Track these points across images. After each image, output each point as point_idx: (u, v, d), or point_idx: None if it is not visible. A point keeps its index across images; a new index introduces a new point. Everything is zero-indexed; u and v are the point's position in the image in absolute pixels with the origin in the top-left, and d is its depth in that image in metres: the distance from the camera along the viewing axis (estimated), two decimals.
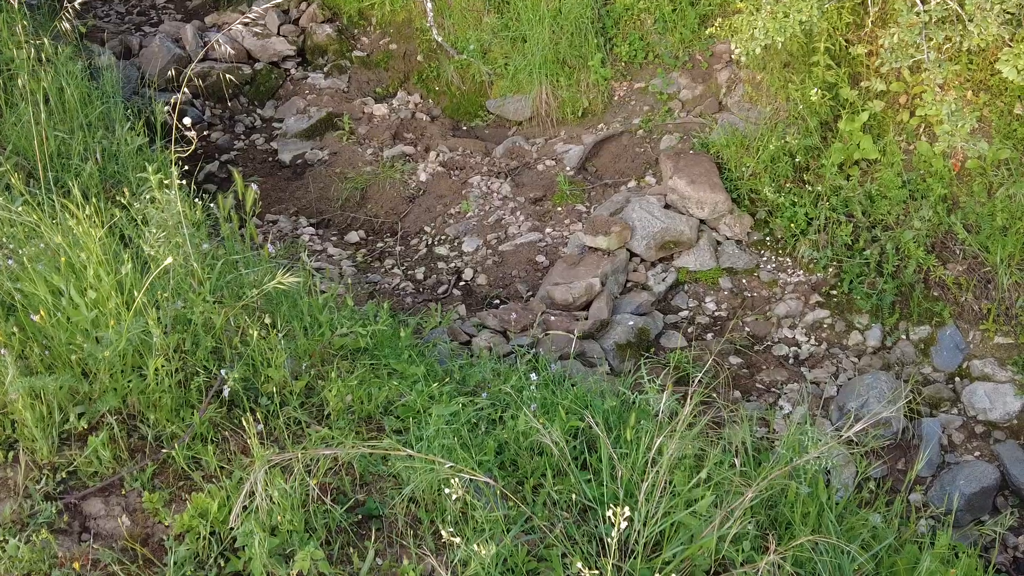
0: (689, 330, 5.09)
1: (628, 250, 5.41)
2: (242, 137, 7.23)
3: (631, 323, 4.88)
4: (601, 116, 6.85)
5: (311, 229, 6.07)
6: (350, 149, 6.79)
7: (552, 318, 4.81)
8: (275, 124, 7.38)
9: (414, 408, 3.52)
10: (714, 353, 4.63)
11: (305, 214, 6.32)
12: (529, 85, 6.89)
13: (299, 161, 6.87)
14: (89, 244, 3.22)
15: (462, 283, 5.55)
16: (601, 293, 5.02)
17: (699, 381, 3.64)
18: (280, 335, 3.45)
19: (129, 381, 3.23)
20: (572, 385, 3.92)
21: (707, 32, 6.06)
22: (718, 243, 5.60)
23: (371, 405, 3.55)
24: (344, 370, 3.68)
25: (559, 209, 6.06)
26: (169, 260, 3.20)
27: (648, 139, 6.40)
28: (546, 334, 4.62)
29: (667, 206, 5.64)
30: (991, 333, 4.78)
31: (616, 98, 6.85)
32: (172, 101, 5.84)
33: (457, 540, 2.57)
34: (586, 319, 4.88)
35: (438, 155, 6.71)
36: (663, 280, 5.36)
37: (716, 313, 5.24)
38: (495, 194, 6.28)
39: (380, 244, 6.06)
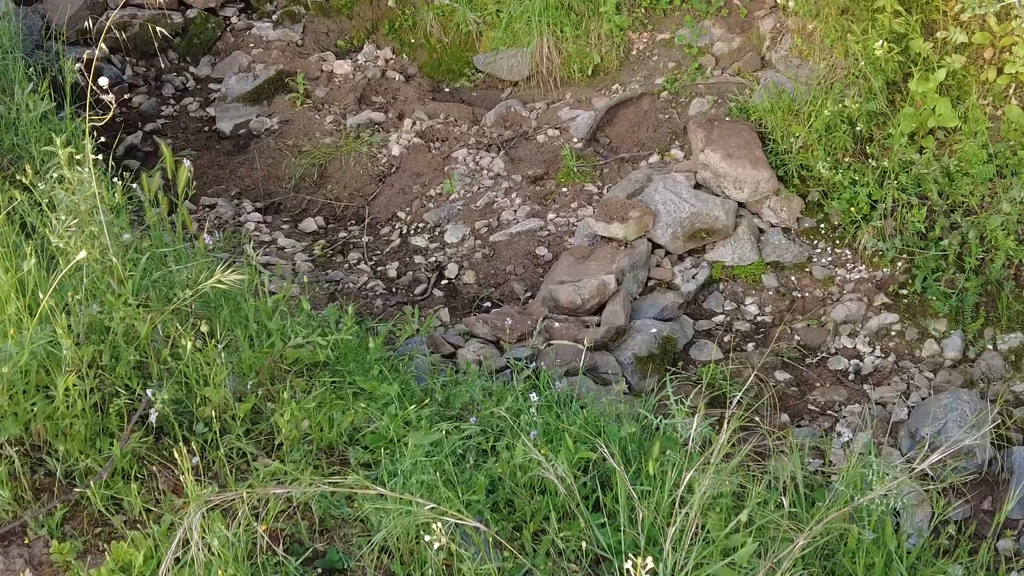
0: (725, 339, 5.10)
1: (650, 240, 5.42)
2: (171, 102, 7.23)
3: (654, 331, 4.89)
4: (616, 75, 6.87)
5: (257, 215, 6.08)
6: (305, 116, 6.80)
7: (556, 325, 4.82)
8: (212, 85, 7.38)
9: (386, 436, 3.52)
10: (756, 367, 4.64)
11: (250, 196, 6.32)
12: (527, 36, 6.90)
13: (242, 131, 6.87)
14: None
15: (445, 282, 5.57)
16: (616, 294, 5.03)
17: (738, 402, 3.65)
18: (220, 346, 3.45)
19: (33, 404, 3.22)
20: (581, 407, 3.93)
21: None
22: (761, 231, 5.62)
23: (333, 432, 3.56)
24: (299, 389, 3.68)
25: (564, 190, 6.07)
26: (83, 254, 3.20)
27: (674, 103, 6.42)
28: (549, 344, 4.62)
29: (698, 186, 5.65)
30: None
31: (634, 52, 6.87)
32: (85, 57, 5.83)
33: None
34: (598, 326, 4.89)
35: (414, 123, 6.72)
36: (693, 277, 5.38)
37: (759, 318, 5.26)
38: (485, 171, 6.29)
39: (343, 233, 6.07)
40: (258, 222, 6.02)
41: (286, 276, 5.25)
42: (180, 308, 3.54)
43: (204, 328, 3.39)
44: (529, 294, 5.38)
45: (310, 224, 6.07)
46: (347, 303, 4.93)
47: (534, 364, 4.42)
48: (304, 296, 4.18)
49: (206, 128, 6.99)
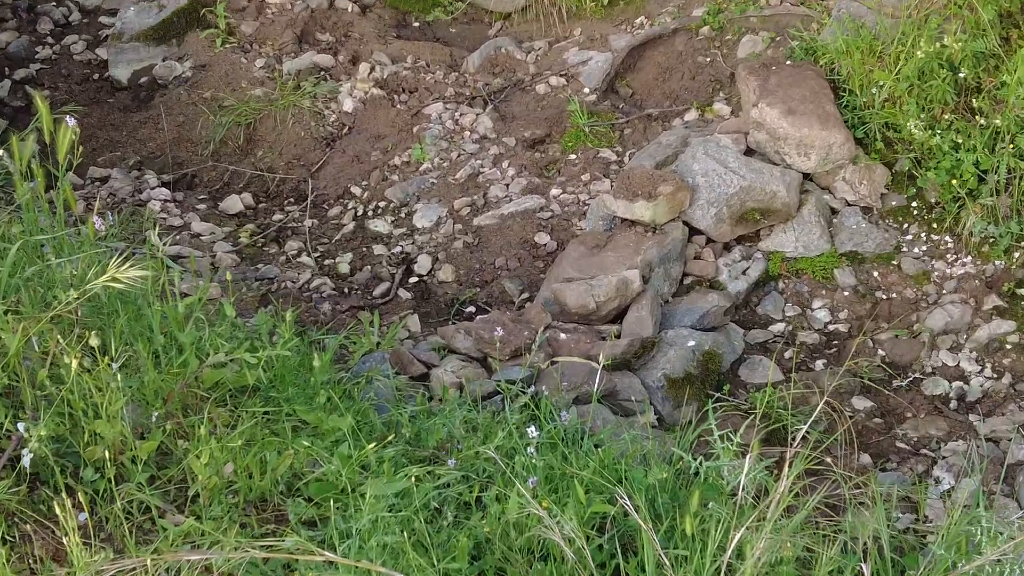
0: (786, 355, 5.10)
1: (686, 224, 5.42)
2: (49, 40, 7.21)
3: (691, 343, 4.90)
4: (641, 4, 6.87)
5: (164, 191, 6.09)
6: (228, 60, 6.80)
7: (562, 336, 4.82)
8: (104, 19, 7.37)
9: (336, 485, 3.52)
10: (828, 392, 4.64)
11: (155, 167, 6.32)
12: None
13: (144, 80, 6.85)
14: None
15: (414, 279, 5.57)
16: (642, 295, 5.03)
17: (803, 438, 3.65)
18: (115, 366, 3.45)
19: None
20: (596, 446, 3.92)
21: None
22: (833, 212, 5.63)
23: (266, 480, 3.55)
24: (221, 423, 3.68)
25: (572, 157, 6.06)
26: None
27: (718, 42, 6.42)
28: (553, 362, 4.63)
29: (749, 151, 5.65)
30: None
31: None
32: None
33: None
34: (617, 337, 4.89)
35: (373, 69, 6.72)
36: (743, 273, 5.38)
37: (830, 327, 5.27)
38: (467, 133, 6.29)
39: (278, 216, 6.07)
40: (165, 200, 6.02)
41: (203, 272, 5.24)
42: (62, 315, 3.54)
43: (94, 341, 3.39)
44: (526, 295, 5.37)
45: (235, 203, 6.07)
46: (284, 308, 4.92)
47: (533, 388, 4.42)
48: (227, 299, 4.18)
49: (96, 76, 6.97)
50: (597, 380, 4.30)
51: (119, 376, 3.42)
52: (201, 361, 3.77)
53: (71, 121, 3.90)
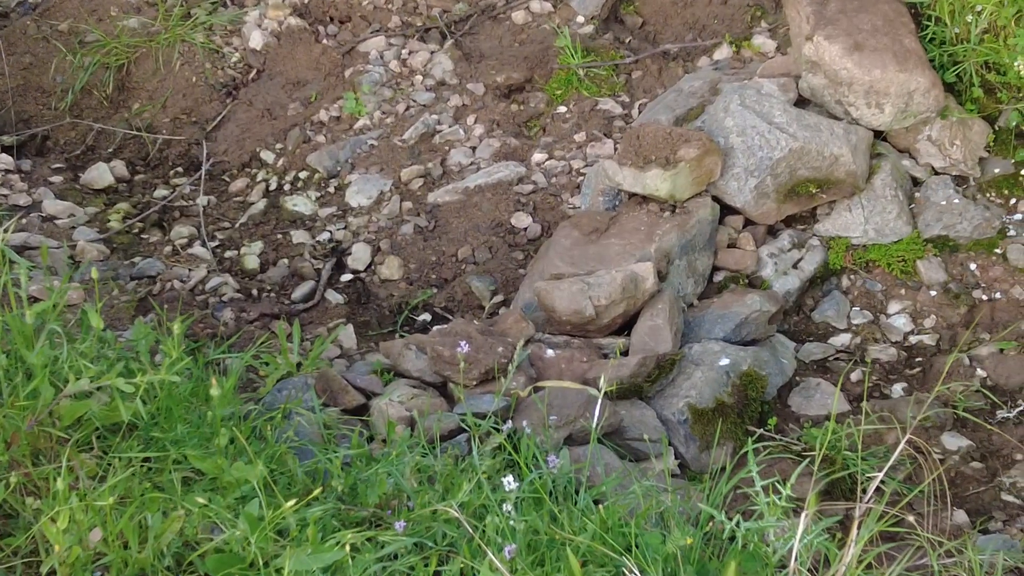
0: (853, 376, 5.12)
1: (716, 200, 5.43)
2: None
3: (725, 362, 4.90)
4: None
5: (6, 158, 6.09)
6: None
7: (550, 352, 4.82)
8: None
9: (243, 556, 3.51)
10: (910, 427, 4.66)
11: None
12: None
13: None
14: None
15: (347, 276, 5.57)
16: (658, 297, 5.04)
17: (877, 489, 3.66)
18: None
19: None
20: (596, 501, 3.92)
21: None
22: (915, 183, 5.65)
23: (147, 551, 3.54)
24: (87, 474, 3.66)
25: (562, 110, 6.06)
26: None
27: None
28: (537, 389, 4.63)
29: (802, 101, 5.66)
30: None
31: None
32: None
33: None
34: (625, 354, 4.89)
35: None
36: (794, 266, 5.40)
37: (913, 338, 5.29)
38: (419, 77, 6.27)
39: (162, 191, 6.05)
40: (7, 170, 6.01)
41: (59, 269, 5.22)
42: None
43: None
44: (499, 298, 5.38)
45: (102, 174, 6.07)
46: (172, 317, 4.91)
47: (510, 424, 4.41)
48: (91, 304, 4.16)
49: None
50: (597, 412, 4.30)
51: None
52: (58, 390, 3.74)
53: None
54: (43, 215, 5.77)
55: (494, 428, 4.31)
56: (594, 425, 4.22)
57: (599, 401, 4.23)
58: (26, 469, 3.66)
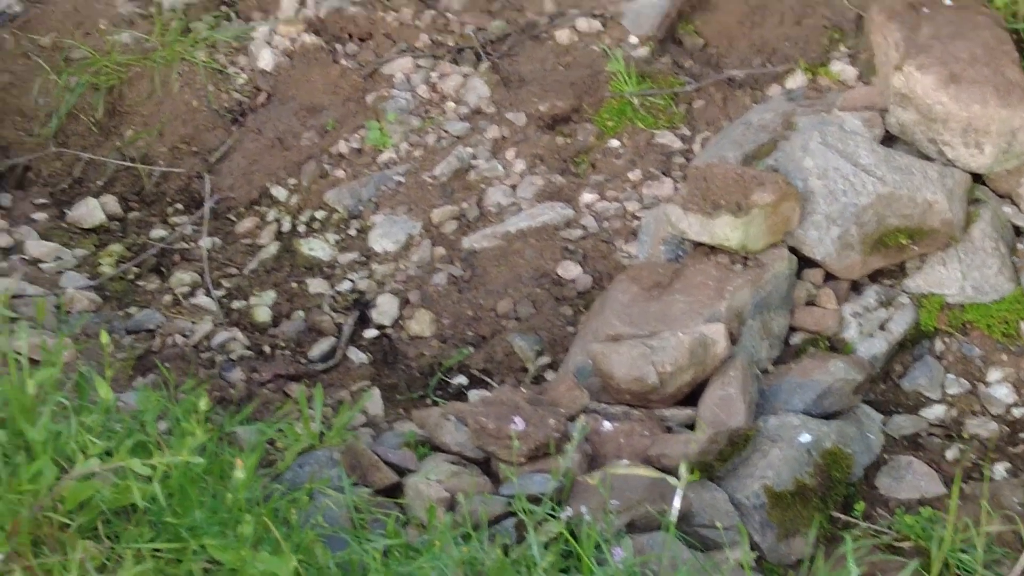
0: (949, 454, 5.08)
1: (793, 251, 5.40)
2: None
3: (805, 438, 4.86)
4: None
5: None
6: None
7: (607, 426, 4.79)
8: None
9: None
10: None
11: None
12: None
13: None
14: None
15: (372, 332, 5.55)
16: (730, 363, 4.99)
17: None
18: None
19: None
20: None
21: None
22: (1017, 232, 5.61)
23: None
24: (94, 565, 3.63)
25: (614, 144, 6.04)
26: None
27: None
28: (595, 468, 4.60)
29: (889, 138, 5.63)
30: None
31: None
32: None
33: None
34: (690, 427, 4.86)
35: (303, 3, 6.73)
36: (881, 327, 5.37)
37: (1016, 411, 5.24)
38: (452, 104, 6.27)
39: (160, 231, 6.04)
40: None
41: (49, 327, 5.19)
42: None
43: None
44: (546, 360, 5.36)
45: (92, 212, 6.07)
46: (180, 378, 4.89)
47: (566, 510, 4.37)
48: (90, 367, 4.15)
49: None
50: (677, 504, 4.27)
51: None
52: (62, 470, 3.71)
53: None
54: (26, 258, 5.76)
55: (549, 515, 4.28)
56: (672, 519, 4.19)
57: (678, 491, 4.21)
58: (27, 562, 3.63)
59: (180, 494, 3.95)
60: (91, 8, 6.69)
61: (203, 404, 3.91)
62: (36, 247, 5.80)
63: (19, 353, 3.98)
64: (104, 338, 4.19)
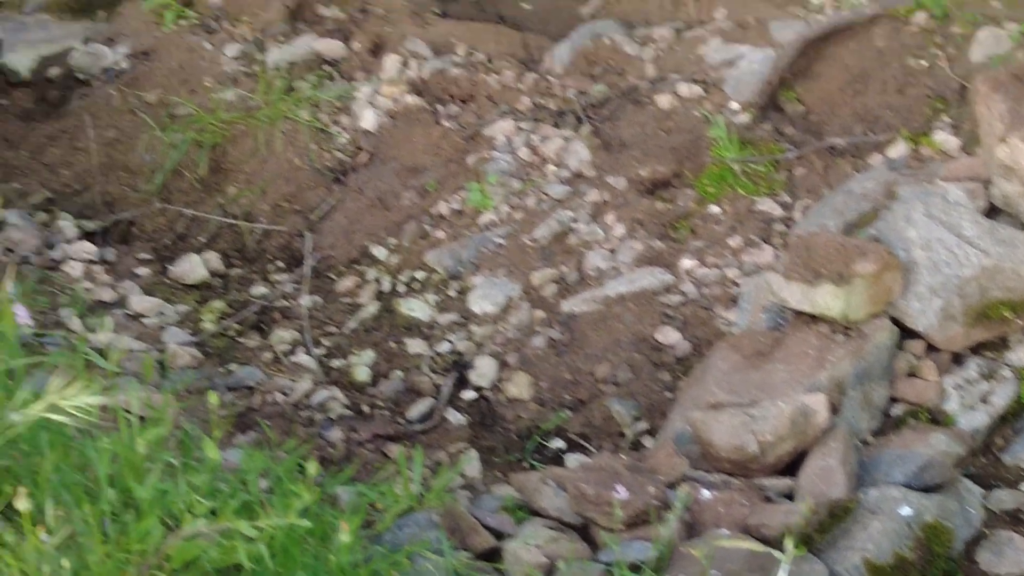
0: None
1: (895, 321, 5.39)
2: None
3: (905, 511, 4.84)
4: None
5: (89, 246, 6.13)
6: (184, 44, 6.88)
7: (706, 494, 4.77)
8: None
9: None
10: None
11: (73, 207, 6.37)
12: None
13: (55, 72, 6.91)
14: None
15: (470, 394, 5.56)
16: (831, 434, 4.97)
17: None
18: (49, 539, 3.44)
19: None
20: None
21: None
22: None
23: None
24: None
25: (714, 210, 6.04)
26: None
27: (940, 37, 6.40)
28: (692, 537, 4.60)
29: (993, 210, 5.59)
30: None
31: None
32: None
33: None
34: (790, 497, 4.85)
35: (406, 64, 6.77)
36: (983, 400, 5.33)
37: None
38: (552, 167, 6.29)
39: (261, 288, 6.08)
40: (90, 260, 6.06)
41: (159, 380, 5.23)
42: None
43: (22, 504, 3.39)
44: (643, 425, 5.35)
45: (194, 267, 6.09)
46: (282, 436, 4.92)
47: None
48: (192, 422, 4.18)
49: None
50: (778, 573, 4.26)
51: (64, 560, 3.42)
52: (169, 529, 3.76)
53: None
54: (129, 312, 5.80)
55: None
56: None
57: (783, 566, 4.21)
58: None
59: (284, 555, 3.97)
60: (196, 66, 6.72)
61: (312, 468, 3.96)
62: (139, 302, 5.82)
63: (128, 411, 4.03)
64: (213, 398, 4.24)
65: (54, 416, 3.37)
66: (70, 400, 3.34)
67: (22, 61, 6.91)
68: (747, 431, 4.95)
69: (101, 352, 5.36)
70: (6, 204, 6.27)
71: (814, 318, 5.32)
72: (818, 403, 4.98)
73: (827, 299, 5.25)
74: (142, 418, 4.23)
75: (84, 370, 4.01)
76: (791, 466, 5.00)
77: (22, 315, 3.97)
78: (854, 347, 5.23)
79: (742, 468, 4.97)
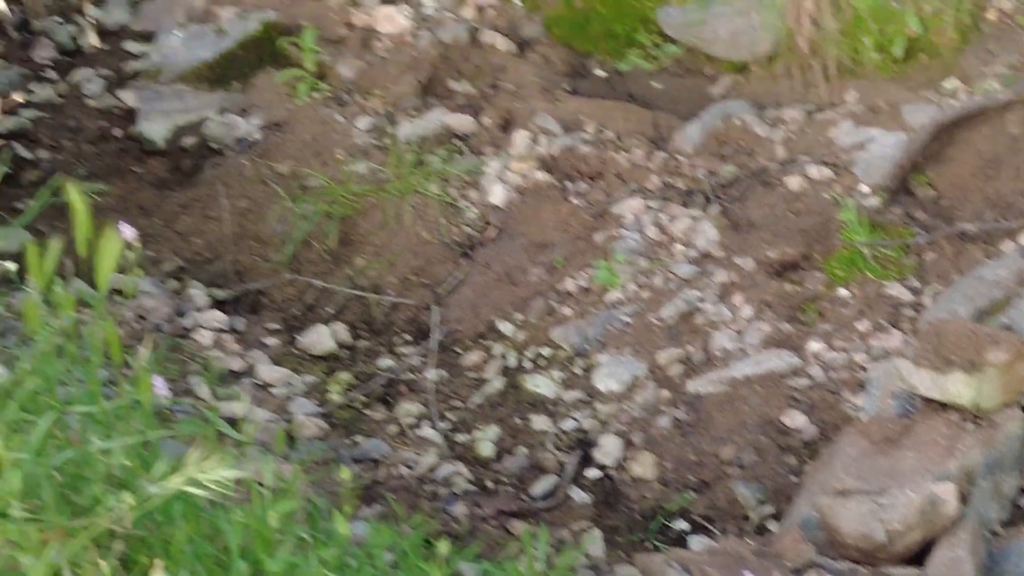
0: None
1: None
2: (51, 75, 7.37)
3: None
4: (952, 60, 6.85)
5: (219, 315, 6.19)
6: (316, 117, 6.95)
7: None
8: (132, 46, 7.53)
9: None
10: None
11: (204, 275, 6.44)
12: None
13: (189, 141, 7.02)
14: None
15: (594, 472, 5.56)
16: (960, 525, 4.92)
17: None
18: None
19: None
20: None
21: None
22: None
23: None
24: None
25: (843, 293, 6.03)
26: None
27: None
28: None
29: None
30: None
31: (992, 18, 6.86)
32: None
33: None
34: None
35: (536, 140, 6.81)
36: None
37: None
38: (680, 247, 6.31)
39: (387, 361, 6.13)
40: (220, 329, 6.12)
41: (288, 451, 5.25)
42: (112, 533, 3.59)
43: (160, 575, 3.44)
44: (768, 509, 5.33)
45: (322, 338, 6.14)
46: (410, 511, 4.95)
47: None
48: (317, 494, 4.21)
49: (118, 131, 7.10)
50: None
51: None
52: None
53: (127, 231, 3.95)
54: (257, 382, 5.85)
55: None
56: None
57: None
58: None
59: None
60: (329, 138, 6.79)
61: (443, 548, 3.99)
62: (268, 372, 5.87)
63: (260, 483, 4.07)
64: (346, 474, 4.29)
65: (191, 489, 3.40)
66: (208, 473, 3.39)
67: (158, 130, 6.99)
68: (875, 519, 4.93)
69: (231, 422, 5.47)
70: (140, 270, 6.36)
71: (944, 406, 5.30)
72: (948, 492, 4.96)
73: (958, 387, 5.23)
74: (272, 490, 4.28)
75: (216, 440, 4.06)
76: (919, 555, 4.98)
77: (160, 386, 4.01)
78: (985, 436, 5.20)
79: (869, 556, 4.95)
